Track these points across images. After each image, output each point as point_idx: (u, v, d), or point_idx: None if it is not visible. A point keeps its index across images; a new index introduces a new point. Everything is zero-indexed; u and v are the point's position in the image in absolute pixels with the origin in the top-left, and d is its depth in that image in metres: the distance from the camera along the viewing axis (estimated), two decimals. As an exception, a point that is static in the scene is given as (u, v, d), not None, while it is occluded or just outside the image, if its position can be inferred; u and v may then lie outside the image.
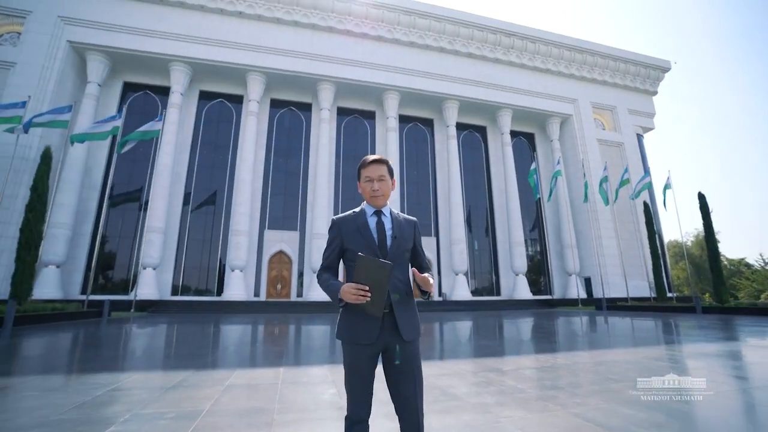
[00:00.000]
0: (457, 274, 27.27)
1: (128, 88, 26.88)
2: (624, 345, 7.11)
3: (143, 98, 27.02)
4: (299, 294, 25.76)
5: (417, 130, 32.29)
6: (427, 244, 29.10)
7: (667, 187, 24.61)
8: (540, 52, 32.94)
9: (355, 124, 30.91)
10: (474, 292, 29.09)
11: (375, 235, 1.76)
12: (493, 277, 30.54)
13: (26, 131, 18.33)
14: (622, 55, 35.13)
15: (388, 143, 28.84)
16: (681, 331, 9.83)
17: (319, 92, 28.53)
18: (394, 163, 28.39)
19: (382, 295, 1.53)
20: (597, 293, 28.47)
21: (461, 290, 26.67)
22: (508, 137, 31.67)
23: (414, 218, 1.93)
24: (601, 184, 26.23)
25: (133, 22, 25.06)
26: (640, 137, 35.65)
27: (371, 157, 1.84)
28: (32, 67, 22.47)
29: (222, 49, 26.30)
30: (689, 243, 47.24)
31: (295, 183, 28.14)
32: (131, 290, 21.02)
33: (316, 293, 23.80)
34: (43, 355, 6.51)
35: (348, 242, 1.77)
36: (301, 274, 26.20)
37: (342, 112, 30.64)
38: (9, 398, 3.40)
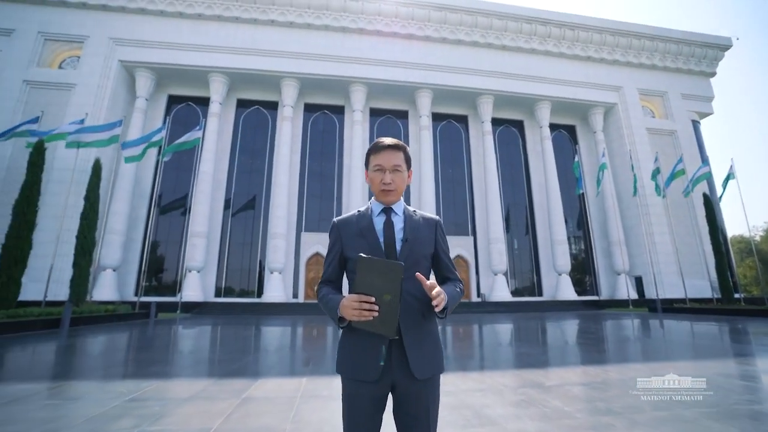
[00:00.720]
0: (496, 274, 26.42)
1: (172, 100, 28.40)
2: (688, 356, 6.33)
3: (186, 109, 28.44)
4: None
5: (451, 128, 31.65)
6: (465, 244, 28.41)
7: (729, 177, 22.39)
8: (579, 39, 31.20)
9: (388, 124, 30.80)
10: (514, 293, 28.06)
11: (381, 239, 1.41)
12: (535, 276, 29.30)
13: (78, 147, 19.70)
14: (673, 36, 32.47)
15: (421, 142, 28.48)
16: (755, 339, 8.78)
17: (351, 94, 28.71)
18: (428, 161, 27.95)
19: (394, 307, 1.17)
20: (650, 293, 26.50)
21: (500, 291, 25.80)
22: (547, 131, 30.26)
23: (436, 217, 1.55)
24: (653, 176, 24.37)
25: (175, 38, 26.43)
26: (696, 124, 32.80)
27: (386, 141, 1.48)
28: (89, 87, 24.23)
29: (256, 57, 27.12)
30: (757, 238, 42.90)
31: (330, 185, 28.51)
32: (178, 292, 22.15)
33: (352, 294, 23.88)
34: (85, 357, 6.87)
35: (348, 249, 1.43)
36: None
37: (375, 113, 30.64)
38: (30, 406, 3.48)
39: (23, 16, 25.02)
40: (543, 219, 29.71)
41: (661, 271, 26.68)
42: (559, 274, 27.15)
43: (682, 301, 22.89)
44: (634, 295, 26.76)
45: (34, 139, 17.48)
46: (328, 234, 1.56)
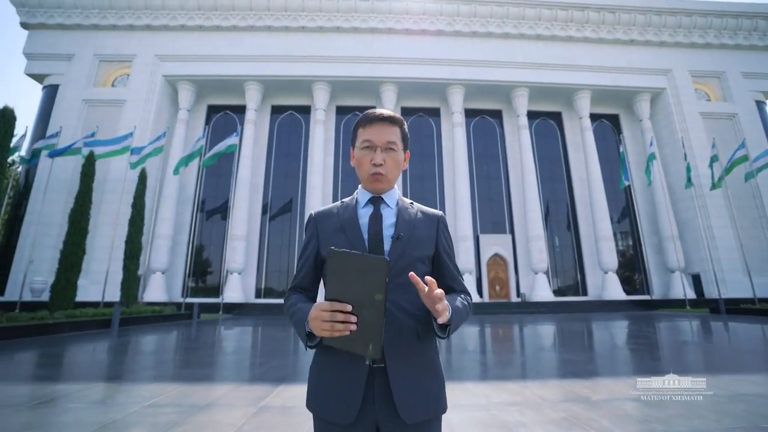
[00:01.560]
0: (536, 273, 25.35)
1: (211, 110, 29.74)
2: (764, 367, 5.62)
3: (224, 118, 29.68)
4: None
5: (485, 124, 30.79)
6: (502, 242, 27.53)
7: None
8: (621, 22, 29.25)
9: (420, 122, 30.49)
10: (556, 292, 26.80)
11: (365, 235, 1.11)
12: (578, 275, 27.83)
13: (136, 165, 21.16)
14: (730, 9, 29.60)
15: (455, 139, 27.92)
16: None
17: (382, 94, 28.71)
18: (462, 159, 27.31)
19: (377, 317, 0.86)
20: (710, 293, 24.34)
21: (541, 290, 24.72)
22: (587, 121, 28.63)
23: (438, 212, 1.24)
24: (710, 164, 22.37)
25: (213, 50, 27.66)
26: (761, 105, 29.69)
27: (379, 111, 1.18)
28: (137, 103, 25.90)
29: (289, 63, 27.77)
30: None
31: (363, 186, 28.63)
32: (220, 294, 23.15)
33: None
34: (123, 358, 7.24)
35: (326, 247, 1.12)
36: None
37: (406, 112, 30.42)
38: (55, 410, 3.58)
39: (81, 42, 27.19)
40: (586, 214, 28.17)
41: (722, 267, 24.40)
42: (605, 272, 25.59)
43: (750, 301, 20.78)
44: (691, 295, 24.68)
45: (86, 150, 18.90)
46: (304, 229, 1.25)
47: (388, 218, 1.15)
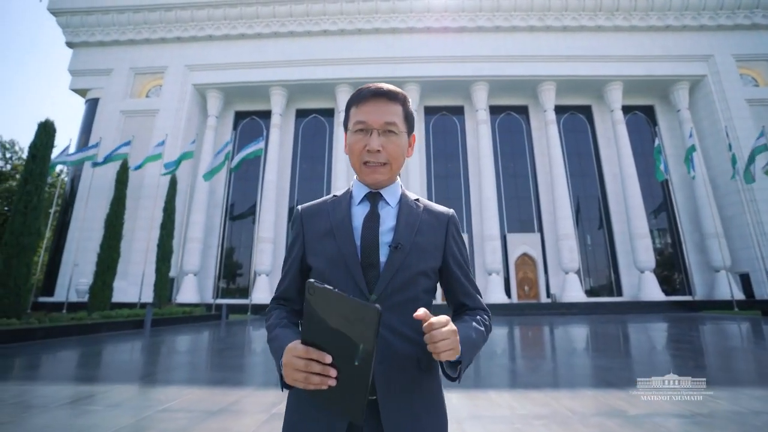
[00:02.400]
0: (566, 273, 24.41)
1: (238, 116, 30.62)
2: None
3: (250, 123, 30.47)
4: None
5: (510, 120, 30.02)
6: (531, 241, 26.72)
7: None
8: (655, 7, 27.69)
9: (443, 121, 30.12)
10: (589, 293, 25.72)
11: (358, 240, 0.92)
12: (612, 274, 26.58)
13: (172, 171, 22.13)
14: (779, -13, 27.41)
15: (479, 137, 27.37)
16: None
17: (404, 94, 28.54)
18: (488, 157, 26.71)
19: (363, 377, 0.67)
20: (761, 293, 22.59)
21: (573, 291, 23.76)
22: (619, 114, 27.30)
23: (449, 210, 1.03)
24: (753, 156, 20.79)
25: (239, 58, 28.47)
26: (816, 88, 27.35)
27: (374, 85, 0.95)
28: (169, 111, 27.05)
29: (312, 67, 28.16)
30: None
31: (387, 187, 28.61)
32: (249, 295, 23.71)
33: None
34: (150, 358, 7.46)
35: (312, 253, 0.95)
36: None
37: (429, 111, 30.15)
38: (74, 412, 3.66)
39: (118, 56, 28.75)
40: (619, 211, 26.87)
41: (774, 266, 22.61)
42: (642, 272, 24.29)
43: (806, 302, 19.14)
44: (739, 296, 23.00)
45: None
46: (290, 227, 1.05)
47: (387, 221, 0.95)
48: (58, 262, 24.30)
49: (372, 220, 0.94)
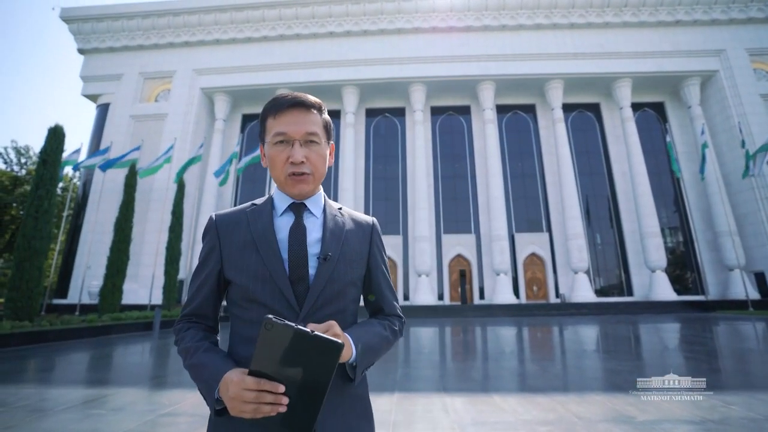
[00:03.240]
0: (576, 273, 24.10)
1: (246, 118, 30.88)
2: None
3: (257, 126, 30.60)
4: (405, 297, 25.95)
5: (517, 119, 29.78)
6: (539, 241, 26.47)
7: None
8: (665, 2, 27.21)
9: (450, 121, 30.01)
10: (599, 292, 25.38)
11: (285, 254, 0.88)
12: (622, 274, 26.18)
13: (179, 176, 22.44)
14: (793, -20, 26.76)
15: (486, 137, 27.17)
16: None
17: (410, 95, 28.53)
18: (495, 157, 26.51)
19: (316, 403, 0.70)
20: (776, 292, 22.07)
21: (582, 291, 23.46)
22: (628, 111, 26.89)
23: (370, 218, 1.05)
24: (755, 152, 20.36)
25: (245, 61, 28.70)
26: (834, 82, 26.63)
27: (290, 95, 0.94)
28: (177, 115, 27.37)
29: (317, 69, 28.27)
30: None
31: (395, 187, 28.61)
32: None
33: (422, 297, 23.71)
34: (155, 360, 7.52)
35: (231, 267, 0.90)
36: (406, 277, 26.43)
37: (435, 111, 30.07)
38: (80, 415, 3.71)
39: (128, 62, 29.19)
40: (629, 210, 26.47)
41: (791, 265, 22.07)
42: (653, 271, 23.88)
43: (824, 301, 18.64)
44: (755, 295, 22.49)
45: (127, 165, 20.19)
46: (201, 237, 0.97)
47: (313, 231, 0.93)
48: (71, 264, 24.77)
49: (299, 232, 0.91)
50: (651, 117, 29.11)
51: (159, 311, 12.04)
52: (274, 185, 0.99)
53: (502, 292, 23.62)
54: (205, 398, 0.80)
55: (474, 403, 4.08)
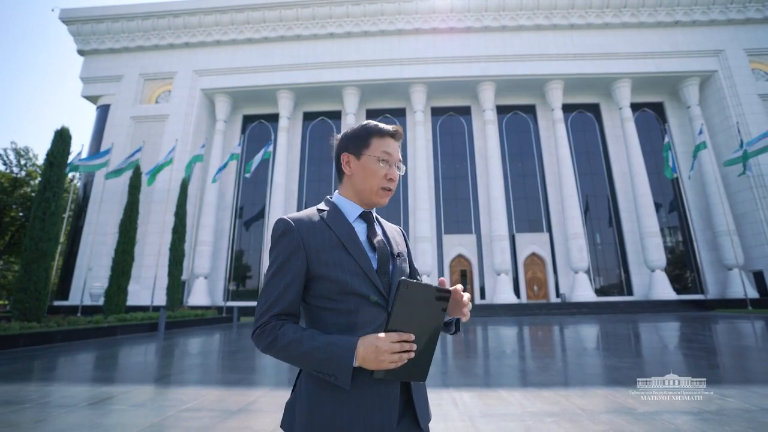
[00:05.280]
0: (576, 273, 24.26)
1: (247, 119, 30.96)
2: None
3: (258, 127, 30.79)
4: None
5: (518, 120, 29.93)
6: (539, 241, 26.62)
7: None
8: (663, 3, 27.40)
9: (451, 122, 30.14)
10: (599, 292, 25.53)
11: (369, 252, 1.03)
12: (622, 273, 26.33)
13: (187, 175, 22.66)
14: (790, -19, 26.93)
15: (487, 137, 27.30)
16: None
17: (411, 95, 28.64)
18: (495, 157, 26.63)
19: (432, 345, 0.92)
20: (775, 291, 22.24)
21: (582, 290, 23.61)
22: (628, 111, 27.06)
23: (399, 226, 1.29)
24: (758, 150, 20.54)
25: (246, 62, 28.78)
26: (830, 82, 26.82)
27: (394, 126, 1.13)
28: (178, 116, 27.44)
29: (318, 70, 28.36)
30: None
31: (396, 189, 28.64)
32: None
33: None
34: (168, 360, 7.63)
35: (320, 264, 0.98)
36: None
37: (436, 112, 30.20)
38: (101, 411, 3.79)
39: (128, 63, 29.25)
40: (629, 210, 26.63)
41: (789, 264, 22.22)
42: (652, 271, 24.04)
43: (823, 300, 18.79)
44: (753, 294, 22.66)
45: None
46: (274, 237, 1.03)
47: (379, 236, 1.10)
48: (72, 266, 24.82)
49: (376, 236, 1.08)
50: (650, 117, 29.29)
51: (164, 312, 12.13)
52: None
53: (502, 292, 23.75)
54: (331, 375, 0.87)
55: (481, 397, 4.18)
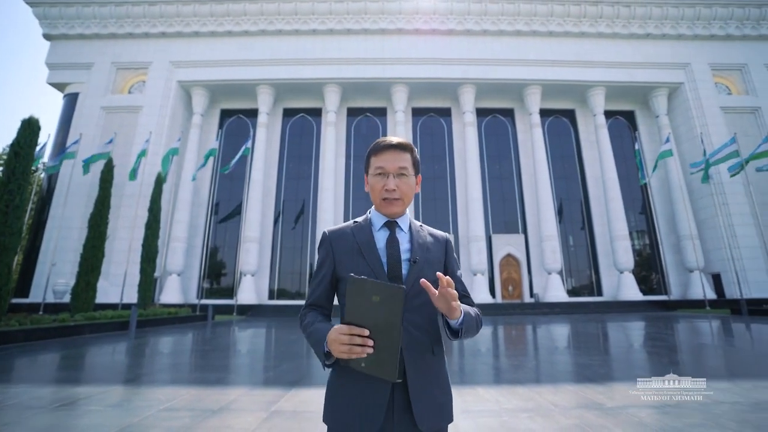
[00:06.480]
0: (549, 274, 25.00)
1: (225, 114, 30.22)
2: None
3: (237, 122, 30.12)
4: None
5: (497, 123, 30.52)
6: (515, 242, 27.26)
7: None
8: (636, 15, 28.59)
9: (431, 122, 30.40)
10: (571, 293, 26.39)
11: (384, 259, 1.18)
12: (593, 275, 27.34)
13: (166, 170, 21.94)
14: None
15: (466, 139, 27.72)
16: None
17: (392, 95, 28.71)
18: (474, 159, 27.10)
19: (393, 343, 0.93)
20: (731, 293, 23.61)
21: (555, 291, 24.35)
22: (602, 119, 28.09)
23: (445, 234, 1.34)
24: (717, 160, 21.84)
25: (225, 55, 28.08)
26: (786, 97, 28.67)
27: (389, 140, 1.24)
28: (153, 108, 26.47)
29: (299, 67, 28.00)
30: None
31: (374, 187, 28.69)
32: (234, 295, 23.51)
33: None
34: (140, 360, 7.42)
35: (342, 268, 1.19)
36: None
37: (417, 113, 30.39)
38: (74, 413, 3.66)
39: (99, 50, 27.96)
40: (600, 213, 27.67)
41: (744, 267, 23.65)
42: (621, 272, 25.08)
43: (773, 301, 20.12)
44: (711, 295, 24.00)
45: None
46: (317, 248, 1.28)
47: (403, 242, 1.22)
48: (34, 262, 23.54)
49: (393, 243, 1.21)
50: (622, 125, 30.51)
51: (135, 310, 11.72)
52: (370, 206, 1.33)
53: (478, 292, 24.20)
54: (318, 357, 1.07)
55: (459, 394, 4.28)
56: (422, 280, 1.03)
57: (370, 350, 0.93)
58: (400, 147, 1.23)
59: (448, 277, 1.01)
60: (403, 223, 1.26)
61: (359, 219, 1.29)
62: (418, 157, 1.30)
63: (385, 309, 0.92)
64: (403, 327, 1.07)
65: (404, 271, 1.17)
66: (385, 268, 1.16)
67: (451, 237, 1.35)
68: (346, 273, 1.15)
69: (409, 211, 1.33)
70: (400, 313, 0.92)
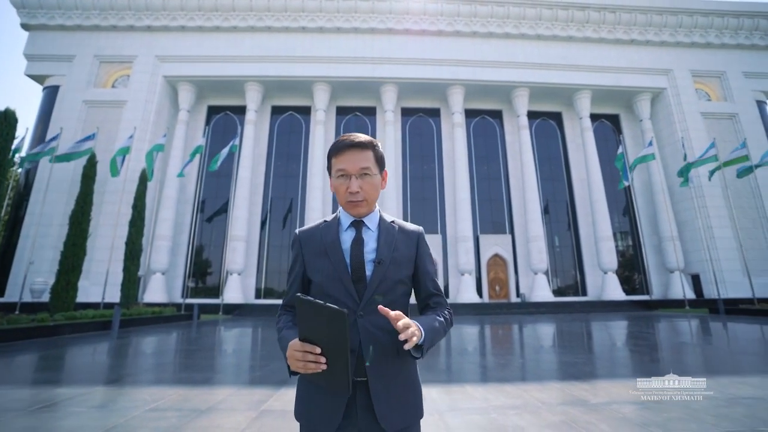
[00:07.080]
0: (536, 274, 25.37)
1: (212, 110, 29.75)
2: (764, 368, 5.64)
3: (224, 119, 29.69)
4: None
5: (485, 124, 30.81)
6: (502, 242, 27.56)
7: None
8: (621, 21, 29.23)
9: (420, 123, 30.51)
10: (556, 292, 26.82)
11: (348, 259, 1.16)
12: (578, 275, 27.86)
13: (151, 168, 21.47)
14: (732, 9, 29.53)
15: (455, 140, 27.93)
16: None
17: (382, 95, 28.71)
18: (462, 160, 27.32)
19: (342, 360, 0.94)
20: (709, 293, 24.36)
21: (541, 291, 24.74)
22: (587, 122, 28.64)
23: (418, 228, 1.29)
24: (696, 164, 22.55)
25: (213, 51, 27.64)
26: (762, 105, 29.70)
27: (349, 139, 1.18)
28: (138, 103, 25.87)
29: (289, 64, 27.76)
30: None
31: (363, 187, 28.64)
32: (220, 294, 23.18)
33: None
34: (123, 360, 7.27)
35: (311, 269, 1.19)
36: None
37: (406, 113, 30.45)
38: (57, 414, 3.57)
39: (82, 42, 27.18)
40: (586, 214, 28.21)
41: (722, 268, 24.43)
42: (605, 273, 25.62)
43: (750, 301, 20.81)
44: (691, 295, 24.72)
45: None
46: (290, 247, 1.29)
47: (370, 242, 1.20)
48: (10, 259, 22.77)
49: (358, 244, 1.18)
50: (607, 128, 31.15)
51: (118, 310, 11.44)
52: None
53: (466, 292, 24.40)
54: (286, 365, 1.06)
55: (448, 392, 4.32)
56: (380, 306, 1.02)
57: (324, 366, 0.95)
58: (361, 145, 1.18)
59: (394, 312, 1.00)
60: (371, 221, 1.23)
61: (329, 218, 1.27)
62: (382, 151, 1.26)
63: (332, 329, 0.92)
64: (365, 329, 1.10)
65: (368, 272, 1.15)
66: (349, 269, 1.15)
67: (422, 229, 1.31)
68: (314, 274, 1.18)
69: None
70: (345, 335, 0.91)
